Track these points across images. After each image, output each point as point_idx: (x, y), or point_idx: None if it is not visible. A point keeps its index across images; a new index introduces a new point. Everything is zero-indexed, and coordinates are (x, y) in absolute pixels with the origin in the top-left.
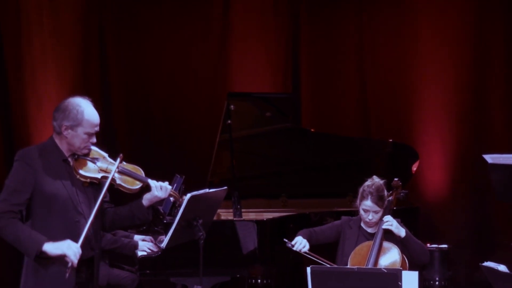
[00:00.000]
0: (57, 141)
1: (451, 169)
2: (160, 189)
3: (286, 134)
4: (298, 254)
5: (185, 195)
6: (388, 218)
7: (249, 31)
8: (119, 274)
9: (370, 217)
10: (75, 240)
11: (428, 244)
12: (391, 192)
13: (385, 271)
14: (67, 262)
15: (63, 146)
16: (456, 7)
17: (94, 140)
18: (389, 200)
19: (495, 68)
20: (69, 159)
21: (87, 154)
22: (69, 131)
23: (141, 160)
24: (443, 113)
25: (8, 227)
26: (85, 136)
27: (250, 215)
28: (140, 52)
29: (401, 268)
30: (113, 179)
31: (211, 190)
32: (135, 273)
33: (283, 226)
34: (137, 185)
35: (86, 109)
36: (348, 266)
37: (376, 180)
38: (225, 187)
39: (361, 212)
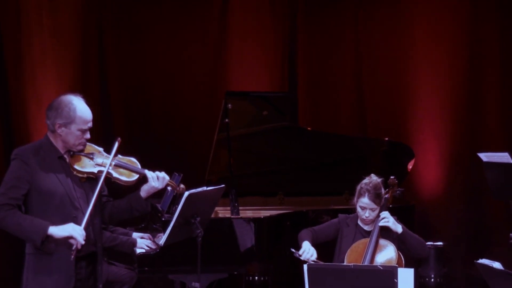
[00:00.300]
0: (52, 139)
1: (446, 167)
2: (157, 179)
3: (283, 133)
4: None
5: (183, 192)
6: (385, 214)
7: (247, 31)
8: (118, 272)
9: (367, 214)
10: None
11: None
12: (387, 190)
13: (381, 268)
14: (71, 245)
15: (58, 144)
16: (451, 7)
17: (88, 136)
18: (385, 197)
19: (489, 68)
20: (65, 156)
21: (83, 150)
22: (63, 128)
23: (140, 159)
24: (438, 112)
25: (7, 217)
26: (78, 133)
27: (247, 212)
28: (138, 52)
29: (397, 265)
30: (109, 173)
31: (209, 188)
32: (134, 270)
33: (280, 224)
34: (134, 177)
35: (78, 106)
36: (345, 263)
37: (373, 178)
38: (223, 185)
39: (358, 209)
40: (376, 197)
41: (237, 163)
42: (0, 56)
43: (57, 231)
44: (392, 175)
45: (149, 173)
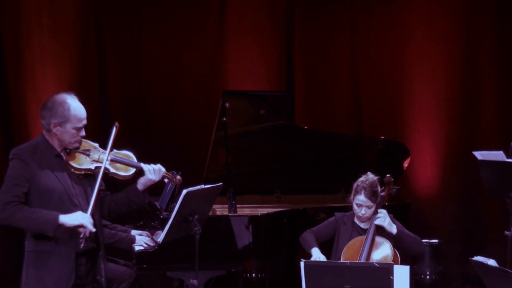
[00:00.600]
0: (47, 137)
1: (442, 166)
2: (153, 172)
3: (280, 131)
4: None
5: (181, 190)
6: (382, 213)
7: (245, 31)
8: (116, 269)
9: (363, 211)
10: (72, 231)
11: None
12: (383, 188)
13: (377, 265)
14: (79, 233)
15: (54, 142)
16: (446, 7)
17: (83, 133)
18: (381, 195)
19: (484, 67)
20: (62, 154)
21: (78, 147)
22: (58, 128)
23: (139, 157)
24: (434, 111)
25: (16, 213)
26: (74, 131)
27: (245, 210)
28: (137, 51)
29: (392, 263)
30: (106, 168)
31: (207, 186)
32: (132, 267)
33: (277, 221)
34: (131, 171)
35: (72, 105)
36: (341, 260)
37: (370, 176)
38: (221, 183)
39: (355, 206)
40: (372, 194)
41: (235, 161)
42: (0, 56)
43: (67, 220)
44: (388, 174)
45: (145, 166)
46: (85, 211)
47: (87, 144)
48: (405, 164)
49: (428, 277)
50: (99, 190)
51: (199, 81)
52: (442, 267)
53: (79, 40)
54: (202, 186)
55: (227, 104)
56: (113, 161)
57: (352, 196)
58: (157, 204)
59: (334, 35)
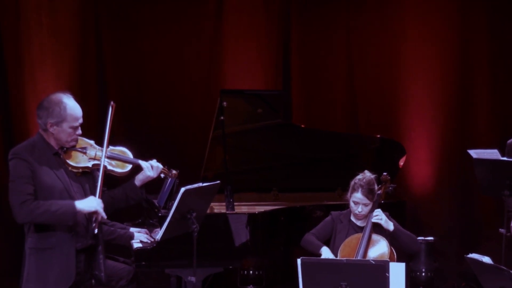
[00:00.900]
0: (45, 136)
1: (437, 164)
2: (151, 168)
3: (277, 130)
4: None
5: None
6: (377, 212)
7: (242, 31)
8: (115, 266)
9: (359, 209)
10: (73, 227)
11: None
12: (380, 186)
13: (373, 262)
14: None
15: (51, 141)
16: (441, 7)
17: (79, 132)
18: (378, 193)
19: (479, 66)
20: (59, 152)
21: (75, 145)
22: (55, 127)
23: (137, 155)
24: (429, 109)
25: (35, 210)
26: (70, 130)
27: (242, 208)
28: (135, 51)
29: (388, 260)
30: (103, 165)
31: (205, 184)
32: (131, 264)
33: (274, 219)
34: (127, 167)
35: (68, 104)
36: (338, 258)
37: (367, 174)
38: (218, 181)
39: (351, 204)
40: (369, 192)
41: (232, 159)
42: (0, 55)
43: (84, 206)
44: (384, 171)
45: (142, 163)
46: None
47: (83, 141)
48: (401, 163)
49: (423, 274)
50: (103, 181)
51: (197, 80)
52: (437, 264)
53: (78, 40)
54: (200, 184)
55: (224, 103)
56: (109, 158)
57: (349, 194)
58: (155, 202)
59: (330, 35)
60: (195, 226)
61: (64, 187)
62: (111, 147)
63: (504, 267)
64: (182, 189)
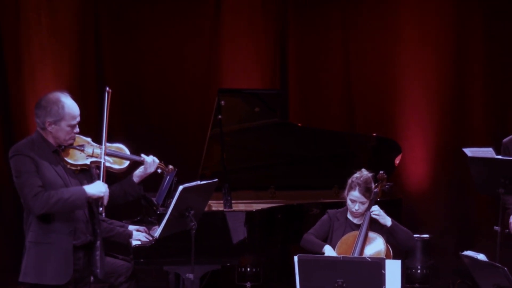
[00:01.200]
0: (43, 134)
1: (432, 162)
2: (148, 163)
3: (275, 129)
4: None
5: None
6: (375, 208)
7: (239, 31)
8: (114, 263)
9: (356, 207)
10: (71, 224)
11: None
12: (376, 184)
13: (369, 260)
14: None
15: (49, 139)
16: (436, 7)
17: (77, 130)
18: (375, 191)
19: (474, 66)
20: (58, 150)
21: (73, 143)
22: (53, 126)
23: (135, 153)
24: (424, 108)
25: (49, 200)
26: (68, 129)
27: (240, 206)
28: (134, 50)
29: (384, 257)
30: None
31: (203, 182)
32: (130, 262)
33: (271, 217)
34: (125, 164)
35: (66, 103)
36: (334, 255)
37: (364, 173)
38: (216, 179)
39: (348, 202)
40: (366, 191)
41: (230, 158)
42: (0, 55)
43: (93, 191)
44: (380, 170)
45: (139, 158)
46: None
47: (81, 139)
48: (397, 161)
49: (419, 271)
50: (105, 176)
51: (195, 79)
52: (433, 262)
53: (77, 39)
54: (198, 182)
55: (222, 102)
56: (107, 155)
57: (346, 192)
58: (154, 199)
59: (326, 34)
60: (193, 223)
61: (63, 183)
62: (108, 144)
63: (498, 264)
64: (180, 187)
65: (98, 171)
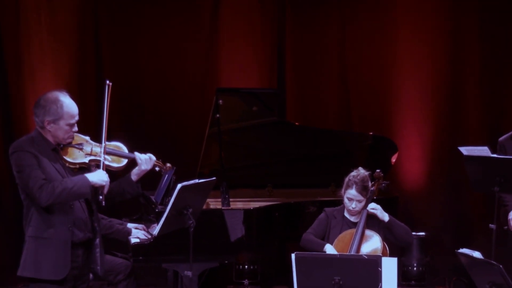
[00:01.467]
0: (42, 133)
1: (428, 161)
2: (145, 161)
3: (272, 127)
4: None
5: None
6: (373, 204)
7: (237, 30)
8: (113, 261)
9: (353, 205)
10: (70, 220)
11: None
12: (373, 182)
13: (366, 257)
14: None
15: (48, 137)
16: (432, 8)
17: (76, 129)
18: (371, 190)
19: (469, 66)
20: (57, 148)
21: (71, 142)
22: (52, 125)
23: (134, 152)
24: (420, 107)
25: (54, 191)
26: (67, 128)
27: (237, 204)
28: (133, 50)
29: (381, 255)
30: (99, 160)
31: (201, 180)
32: (129, 259)
33: (269, 215)
34: (123, 162)
35: (64, 102)
36: (324, 250)
37: (361, 171)
38: (214, 178)
39: (345, 200)
40: (363, 189)
41: (228, 156)
42: (0, 54)
43: (95, 179)
44: (377, 168)
45: (137, 156)
46: (81, 203)
47: (79, 138)
48: (393, 159)
49: (415, 268)
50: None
51: (194, 79)
52: (429, 259)
53: (77, 38)
54: (196, 181)
55: (220, 101)
56: (106, 153)
57: (343, 190)
58: (152, 198)
59: (323, 34)
60: (191, 221)
61: None
62: (106, 142)
63: (494, 262)
64: (179, 186)
65: (97, 169)
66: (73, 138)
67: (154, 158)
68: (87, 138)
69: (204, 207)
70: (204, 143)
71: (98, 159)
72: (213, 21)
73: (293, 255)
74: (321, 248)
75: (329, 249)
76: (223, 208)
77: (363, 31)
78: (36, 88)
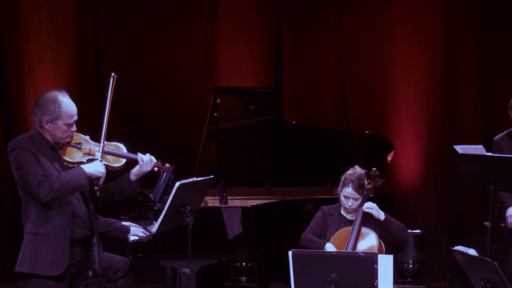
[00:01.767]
0: (41, 131)
1: (424, 159)
2: (145, 162)
3: (269, 126)
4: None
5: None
6: (369, 203)
7: (235, 30)
8: (112, 258)
9: (350, 203)
10: (69, 218)
11: None
12: (369, 180)
13: (362, 255)
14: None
15: (47, 136)
16: (428, 7)
17: (74, 128)
18: (368, 188)
19: (464, 65)
20: (56, 146)
21: (70, 141)
22: (50, 124)
23: (133, 151)
24: (416, 106)
25: (52, 186)
26: (65, 127)
27: (235, 202)
28: (132, 50)
29: (377, 252)
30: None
31: (199, 178)
32: (127, 257)
33: (266, 212)
34: (122, 162)
35: (63, 102)
36: (324, 249)
37: (357, 170)
38: (212, 176)
39: (342, 198)
40: (359, 187)
41: (226, 155)
42: (0, 54)
43: (92, 170)
44: (373, 167)
45: (136, 157)
46: (79, 201)
47: (78, 137)
48: (389, 158)
49: (411, 266)
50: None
51: (192, 78)
52: (424, 256)
53: (76, 38)
54: (194, 179)
55: (218, 100)
56: (104, 153)
57: (339, 188)
58: (151, 196)
59: (320, 34)
60: (189, 219)
61: None
62: (106, 142)
63: (488, 259)
64: (177, 184)
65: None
66: (72, 137)
67: (154, 159)
68: (87, 137)
69: (202, 205)
70: (202, 141)
71: (96, 159)
72: (212, 21)
73: (290, 253)
74: (321, 248)
75: (330, 248)
76: (221, 206)
77: (360, 31)
78: (36, 88)
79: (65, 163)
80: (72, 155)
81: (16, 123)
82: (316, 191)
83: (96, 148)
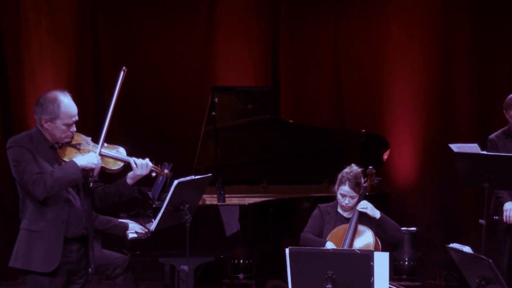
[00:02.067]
0: (41, 130)
1: (420, 158)
2: (141, 167)
3: (267, 125)
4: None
5: (173, 181)
6: (363, 202)
7: (233, 30)
8: (111, 255)
9: (346, 201)
10: (64, 215)
11: None
12: (366, 179)
13: (359, 252)
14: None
15: (47, 135)
16: (424, 7)
17: (74, 129)
18: (364, 186)
19: (460, 64)
20: (55, 145)
21: (70, 141)
22: (49, 123)
23: (132, 150)
24: (412, 105)
25: (46, 183)
26: (64, 127)
27: (233, 200)
28: (131, 49)
29: (373, 250)
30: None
31: (197, 176)
32: (126, 254)
33: (263, 210)
34: (119, 165)
35: (63, 102)
36: (325, 248)
37: (354, 168)
38: (210, 174)
39: (339, 196)
40: (356, 185)
41: (223, 153)
42: (0, 54)
43: (85, 163)
44: (369, 165)
45: (132, 161)
46: (76, 200)
47: (80, 137)
48: (385, 156)
49: (406, 263)
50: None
51: (190, 78)
52: (420, 254)
53: (76, 38)
54: (193, 177)
55: (216, 99)
56: (102, 155)
57: (336, 186)
58: (149, 194)
59: (317, 34)
60: (187, 217)
61: None
62: (106, 144)
63: (483, 256)
64: (175, 182)
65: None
66: (71, 137)
67: (150, 164)
68: (88, 139)
69: (200, 202)
70: (200, 140)
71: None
72: (209, 21)
73: (287, 250)
74: (322, 247)
75: (330, 246)
76: (219, 204)
77: (356, 30)
78: (36, 88)
79: (63, 163)
80: (71, 156)
81: (16, 123)
82: (313, 189)
83: (96, 150)
